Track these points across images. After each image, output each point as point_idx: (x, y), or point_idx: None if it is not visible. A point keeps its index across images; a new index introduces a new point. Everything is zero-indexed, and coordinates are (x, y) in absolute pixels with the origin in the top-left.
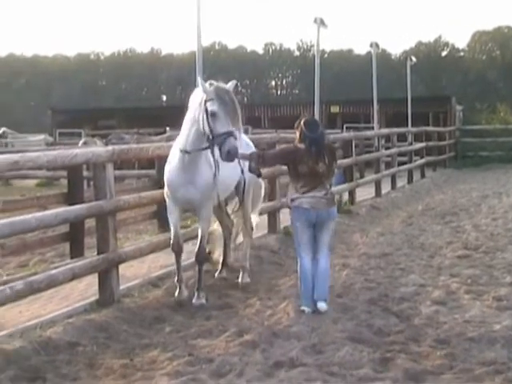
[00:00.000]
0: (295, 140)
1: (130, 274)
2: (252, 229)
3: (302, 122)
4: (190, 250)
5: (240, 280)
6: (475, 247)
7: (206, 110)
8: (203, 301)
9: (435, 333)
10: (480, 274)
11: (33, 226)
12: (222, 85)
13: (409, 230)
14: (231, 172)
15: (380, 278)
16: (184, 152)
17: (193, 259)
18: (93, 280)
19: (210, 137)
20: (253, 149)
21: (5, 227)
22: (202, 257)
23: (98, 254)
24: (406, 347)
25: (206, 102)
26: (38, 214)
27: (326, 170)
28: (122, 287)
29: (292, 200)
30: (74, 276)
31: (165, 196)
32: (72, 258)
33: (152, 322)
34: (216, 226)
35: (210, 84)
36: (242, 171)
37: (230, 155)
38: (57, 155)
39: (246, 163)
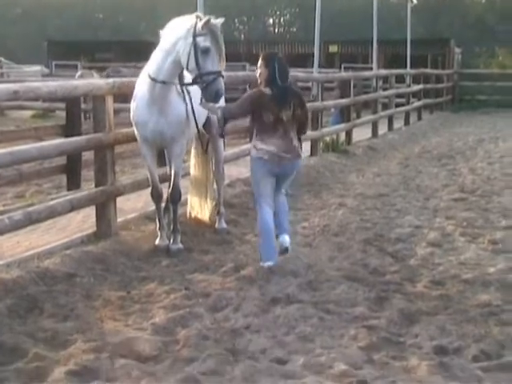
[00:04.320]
0: (259, 79)
1: (127, 207)
2: (223, 171)
3: (275, 63)
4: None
5: (217, 225)
6: (471, 190)
7: (195, 45)
8: (180, 245)
9: (430, 274)
10: (476, 217)
11: (33, 155)
12: (212, 19)
13: (405, 171)
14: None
15: (376, 218)
16: (156, 81)
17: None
18: (90, 212)
19: (196, 74)
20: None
21: (5, 156)
22: (177, 196)
23: (96, 186)
24: (401, 287)
25: (195, 36)
26: (38, 145)
27: (292, 119)
28: (119, 220)
29: (256, 149)
30: (73, 208)
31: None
32: (69, 190)
33: (149, 256)
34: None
35: (199, 17)
36: None
37: (218, 96)
38: (57, 86)
39: None
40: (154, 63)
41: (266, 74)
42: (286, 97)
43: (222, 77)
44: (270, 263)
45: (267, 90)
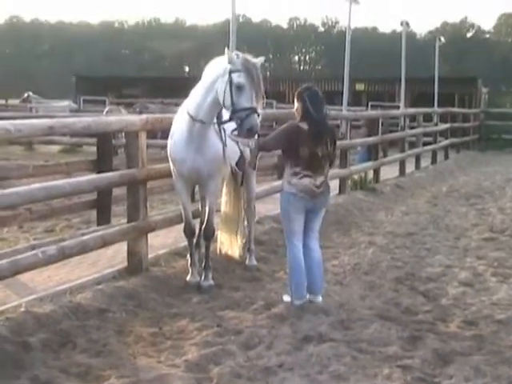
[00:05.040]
0: (296, 114)
1: (157, 243)
2: (255, 208)
3: (305, 96)
4: None
5: (247, 262)
6: (501, 230)
7: (231, 82)
8: (211, 282)
9: (463, 314)
10: (506, 256)
11: (66, 191)
12: (249, 57)
13: (434, 210)
14: (232, 144)
15: (406, 257)
16: (195, 120)
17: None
18: (119, 247)
19: (230, 110)
20: None
21: (40, 191)
22: (210, 233)
23: (128, 222)
24: (434, 327)
25: (231, 72)
26: (72, 180)
27: (326, 154)
28: (149, 256)
29: (290, 184)
30: (105, 243)
31: (172, 173)
32: (99, 225)
33: (180, 292)
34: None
35: (237, 55)
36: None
37: (251, 133)
38: (92, 122)
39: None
40: (194, 101)
41: (299, 108)
42: (322, 132)
43: (258, 114)
44: (299, 302)
45: (304, 125)
